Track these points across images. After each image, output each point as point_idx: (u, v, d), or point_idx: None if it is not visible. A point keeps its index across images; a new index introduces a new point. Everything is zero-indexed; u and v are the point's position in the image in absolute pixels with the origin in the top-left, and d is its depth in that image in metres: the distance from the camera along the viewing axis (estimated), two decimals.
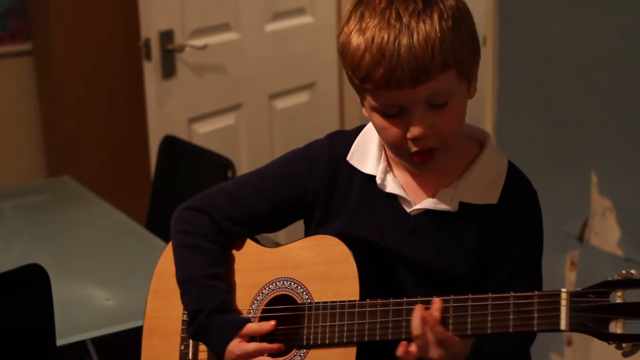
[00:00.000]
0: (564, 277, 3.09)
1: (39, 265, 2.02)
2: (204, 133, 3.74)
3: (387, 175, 1.63)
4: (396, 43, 1.45)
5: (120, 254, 2.86)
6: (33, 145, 3.95)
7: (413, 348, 1.48)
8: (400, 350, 1.49)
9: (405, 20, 1.46)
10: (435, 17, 1.46)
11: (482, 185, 1.60)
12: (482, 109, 3.34)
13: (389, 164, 1.65)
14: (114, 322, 2.42)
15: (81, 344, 2.45)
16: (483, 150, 1.62)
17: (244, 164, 3.79)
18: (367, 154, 1.66)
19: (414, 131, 1.50)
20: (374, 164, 1.65)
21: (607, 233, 2.94)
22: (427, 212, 1.61)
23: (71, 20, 3.75)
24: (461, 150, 1.61)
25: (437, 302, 1.48)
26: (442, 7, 1.48)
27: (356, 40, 1.49)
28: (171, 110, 3.60)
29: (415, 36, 1.45)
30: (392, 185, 1.63)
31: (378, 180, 1.63)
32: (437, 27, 1.46)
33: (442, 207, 1.60)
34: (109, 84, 3.88)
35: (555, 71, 3.07)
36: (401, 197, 1.62)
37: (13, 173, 3.90)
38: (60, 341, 2.21)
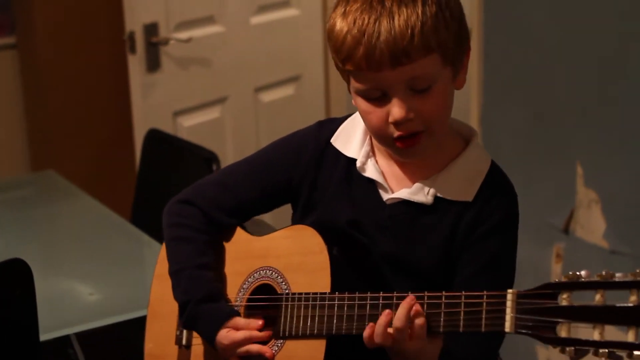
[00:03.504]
0: (550, 269, 3.09)
1: (21, 260, 2.01)
2: (189, 126, 3.73)
3: (369, 160, 1.65)
4: (376, 24, 1.48)
5: (105, 249, 2.85)
6: (17, 139, 3.93)
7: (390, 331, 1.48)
8: (366, 333, 1.49)
9: (387, 4, 1.49)
10: (419, 2, 1.48)
11: (460, 182, 1.61)
12: (467, 101, 3.34)
13: (372, 150, 1.66)
14: (98, 317, 2.42)
15: (65, 339, 2.44)
16: (467, 147, 1.63)
17: (230, 158, 3.78)
18: (351, 137, 1.68)
19: (395, 114, 1.51)
20: (357, 148, 1.66)
21: (592, 225, 2.95)
22: (403, 203, 1.62)
23: (55, 14, 3.73)
24: (446, 145, 1.62)
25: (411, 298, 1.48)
26: None
27: (340, 24, 1.52)
28: (156, 103, 3.59)
29: (396, 18, 1.47)
30: (371, 170, 1.64)
31: (358, 164, 1.64)
32: (420, 11, 1.48)
33: (417, 198, 1.61)
34: (93, 77, 3.86)
35: (541, 63, 3.07)
36: (379, 183, 1.63)
37: None
38: (44, 336, 2.20)
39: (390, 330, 1.47)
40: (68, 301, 2.52)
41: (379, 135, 1.57)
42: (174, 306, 1.78)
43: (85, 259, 2.79)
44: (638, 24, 2.75)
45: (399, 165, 1.64)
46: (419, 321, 1.46)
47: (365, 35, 1.48)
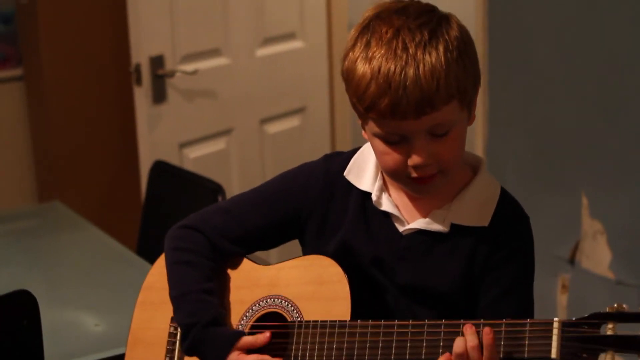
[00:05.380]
0: (556, 300, 3.09)
1: (27, 291, 2.01)
2: (195, 158, 3.74)
3: (383, 193, 1.65)
4: (402, 74, 1.46)
5: (110, 280, 2.85)
6: (24, 171, 3.95)
7: None
8: None
9: (411, 51, 1.47)
10: (441, 48, 1.48)
11: (474, 208, 1.61)
12: (473, 132, 3.35)
13: (384, 183, 1.66)
14: (103, 348, 2.41)
15: None
16: (477, 175, 1.64)
17: (235, 189, 3.78)
18: (363, 171, 1.68)
19: (415, 160, 1.52)
20: (370, 182, 1.66)
21: (598, 256, 2.94)
22: (419, 232, 1.62)
23: (61, 46, 3.76)
24: (456, 174, 1.62)
25: (470, 328, 1.48)
26: (447, 38, 1.49)
27: (362, 68, 1.50)
28: (162, 135, 3.60)
29: (421, 68, 1.46)
30: (387, 203, 1.64)
31: (374, 198, 1.65)
32: (443, 59, 1.47)
33: (434, 227, 1.61)
34: (99, 109, 3.88)
35: (545, 94, 3.08)
36: (395, 216, 1.64)
37: (3, 198, 3.89)
38: None
39: None
40: (73, 332, 2.52)
41: (394, 174, 1.57)
42: (161, 334, 1.78)
43: (90, 289, 2.78)
44: None
45: (412, 198, 1.64)
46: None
47: (392, 87, 1.46)
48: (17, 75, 3.90)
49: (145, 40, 3.50)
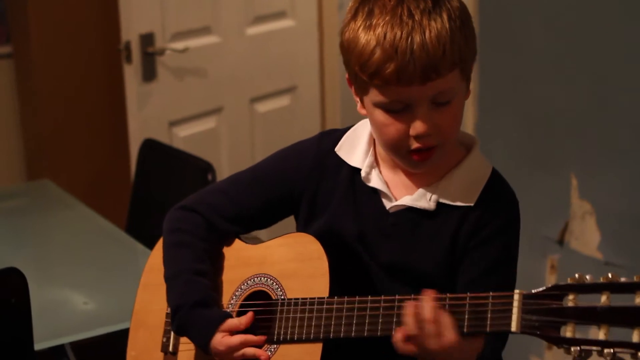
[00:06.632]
0: (544, 280, 3.10)
1: (16, 269, 2.01)
2: (185, 136, 3.74)
3: (373, 170, 1.66)
4: (409, 40, 1.47)
5: (100, 258, 2.85)
6: (13, 149, 3.93)
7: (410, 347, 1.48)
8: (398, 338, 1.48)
9: (417, 17, 1.48)
10: (445, 16, 1.49)
11: (462, 188, 1.61)
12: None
13: (376, 160, 1.67)
14: (92, 326, 2.42)
15: (60, 348, 2.44)
16: (469, 154, 1.64)
17: (225, 168, 3.78)
18: (355, 147, 1.69)
19: (418, 128, 1.52)
20: (361, 158, 1.67)
21: (587, 237, 2.95)
22: (406, 210, 1.62)
23: (51, 23, 3.74)
24: (449, 152, 1.62)
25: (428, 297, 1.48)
26: (449, 7, 1.51)
27: (365, 36, 1.50)
28: (152, 113, 3.59)
29: (427, 33, 1.47)
30: (376, 180, 1.65)
31: (363, 174, 1.65)
32: (448, 26, 1.49)
33: (420, 204, 1.61)
34: (89, 87, 3.86)
35: (535, 75, 3.08)
36: (383, 193, 1.64)
37: None
38: (38, 345, 2.20)
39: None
40: (62, 310, 2.52)
41: (394, 146, 1.57)
42: (160, 316, 1.79)
43: (80, 268, 2.78)
44: (631, 36, 2.76)
45: (403, 175, 1.64)
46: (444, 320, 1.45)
47: (398, 51, 1.47)
48: (6, 52, 3.87)
49: (136, 17, 3.49)
